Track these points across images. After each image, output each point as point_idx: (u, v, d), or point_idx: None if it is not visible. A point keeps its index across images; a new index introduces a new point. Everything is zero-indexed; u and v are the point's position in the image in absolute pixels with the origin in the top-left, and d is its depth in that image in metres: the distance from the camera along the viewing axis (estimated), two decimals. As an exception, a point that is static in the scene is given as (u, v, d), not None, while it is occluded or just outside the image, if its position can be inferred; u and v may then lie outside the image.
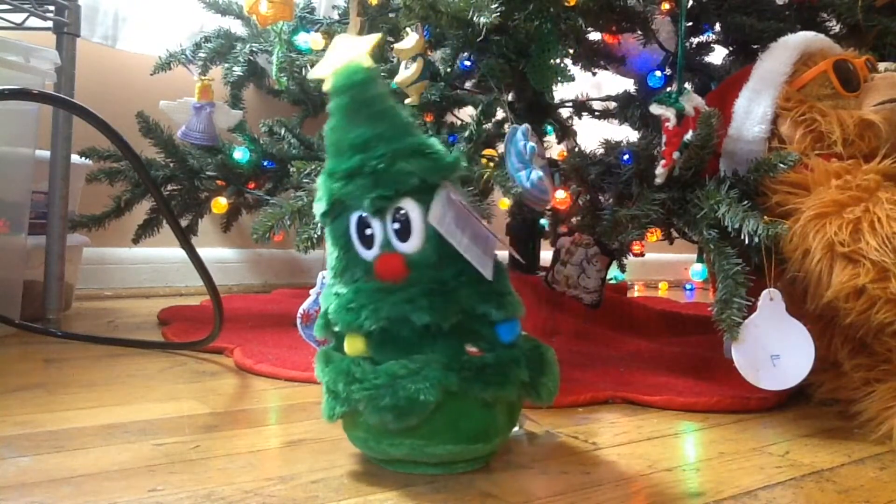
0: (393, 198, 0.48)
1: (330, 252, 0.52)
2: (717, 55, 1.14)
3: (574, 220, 1.02)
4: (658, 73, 1.12)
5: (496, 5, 0.75)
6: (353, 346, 0.50)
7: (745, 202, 0.73)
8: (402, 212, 0.48)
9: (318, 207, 0.51)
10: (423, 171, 0.48)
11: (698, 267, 1.64)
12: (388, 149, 0.48)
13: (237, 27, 1.30)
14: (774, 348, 0.67)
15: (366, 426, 0.48)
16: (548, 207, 0.94)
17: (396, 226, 0.48)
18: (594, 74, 1.25)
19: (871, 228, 0.64)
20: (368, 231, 0.49)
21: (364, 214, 0.49)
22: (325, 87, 0.49)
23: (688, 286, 2.04)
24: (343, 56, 0.49)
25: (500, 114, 1.15)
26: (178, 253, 0.89)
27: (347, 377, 0.48)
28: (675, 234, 0.98)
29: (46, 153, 1.07)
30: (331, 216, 0.51)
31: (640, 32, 1.05)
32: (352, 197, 0.49)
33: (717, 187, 0.77)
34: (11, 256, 0.99)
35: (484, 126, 0.91)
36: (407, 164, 0.48)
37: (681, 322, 1.23)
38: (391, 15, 1.07)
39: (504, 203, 1.23)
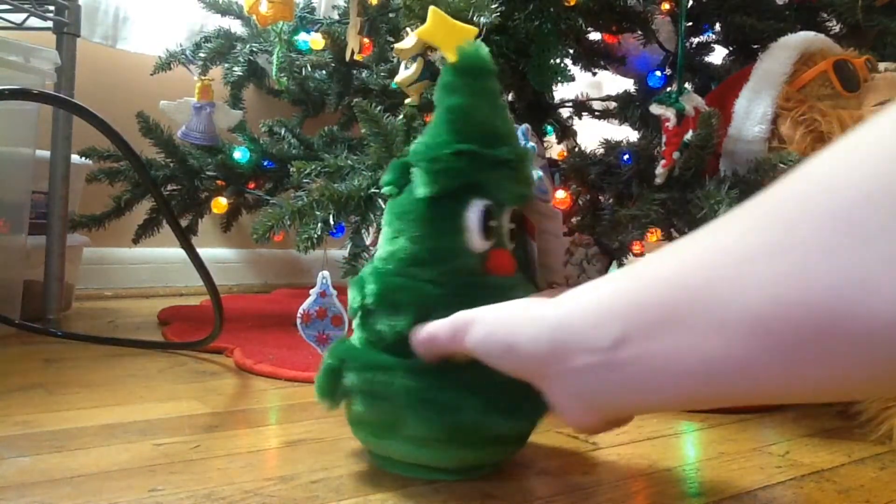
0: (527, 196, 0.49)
1: (402, 232, 0.49)
2: (717, 55, 1.14)
3: (574, 220, 1.03)
4: (658, 73, 1.12)
5: (496, 5, 0.75)
6: None
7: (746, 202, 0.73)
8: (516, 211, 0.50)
9: (425, 181, 0.47)
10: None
11: (698, 267, 1.64)
12: (520, 148, 0.49)
13: (237, 27, 1.30)
14: (774, 348, 0.67)
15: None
16: (548, 207, 0.94)
17: (513, 225, 0.49)
18: (594, 74, 1.25)
19: (871, 228, 0.64)
20: (493, 223, 0.48)
21: (491, 204, 0.48)
22: (453, 59, 0.47)
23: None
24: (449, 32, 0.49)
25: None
26: (178, 253, 0.89)
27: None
28: (675, 234, 0.98)
29: (46, 153, 1.07)
30: (439, 194, 0.47)
31: (640, 32, 1.05)
32: (492, 185, 0.48)
33: (717, 187, 0.77)
34: (11, 256, 0.99)
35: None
36: (530, 168, 0.50)
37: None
38: (391, 15, 1.07)
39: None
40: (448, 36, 0.49)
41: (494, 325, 0.42)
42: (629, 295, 0.36)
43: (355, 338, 0.51)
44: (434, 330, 0.45)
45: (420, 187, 0.47)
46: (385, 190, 0.50)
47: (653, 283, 0.35)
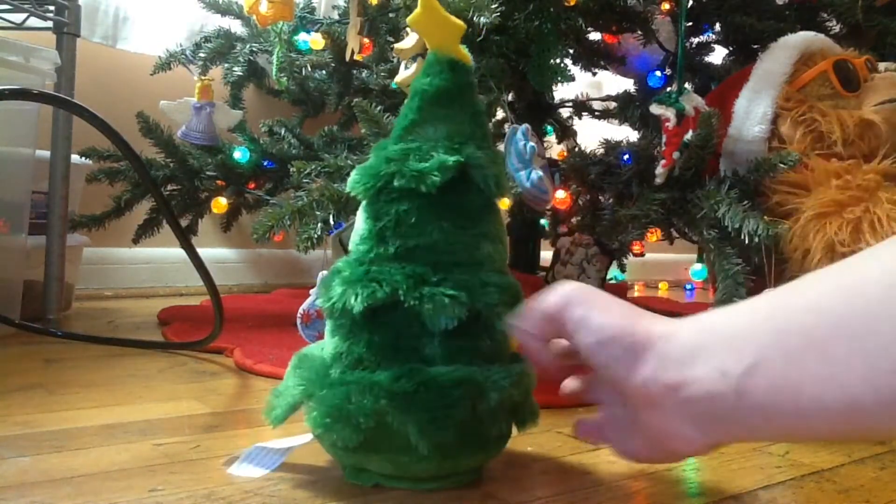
0: None
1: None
2: (717, 55, 1.14)
3: (574, 220, 1.03)
4: (658, 73, 1.12)
5: (496, 5, 0.75)
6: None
7: (745, 202, 0.73)
8: None
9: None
10: None
11: (698, 267, 1.64)
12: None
13: (237, 27, 1.30)
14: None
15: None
16: (548, 207, 0.94)
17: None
18: (594, 74, 1.25)
19: (872, 228, 0.64)
20: None
21: None
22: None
23: (688, 286, 2.04)
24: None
25: (500, 114, 1.16)
26: (178, 253, 0.89)
27: None
28: (675, 234, 0.98)
29: (46, 153, 1.07)
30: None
31: (640, 32, 1.05)
32: None
33: (717, 187, 0.77)
34: (11, 256, 0.99)
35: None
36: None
37: (681, 322, 1.23)
38: (391, 15, 1.07)
39: (504, 203, 1.23)
40: (435, 27, 0.48)
41: (617, 322, 0.39)
42: (767, 321, 0.35)
43: (327, 350, 0.48)
44: (541, 304, 0.42)
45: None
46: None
47: (793, 309, 0.34)
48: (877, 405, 0.30)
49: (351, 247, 0.49)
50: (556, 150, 1.28)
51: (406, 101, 0.49)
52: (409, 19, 0.48)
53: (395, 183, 0.46)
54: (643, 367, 0.38)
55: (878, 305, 0.30)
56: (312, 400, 0.45)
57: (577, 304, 0.41)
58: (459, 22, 0.48)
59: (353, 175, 0.48)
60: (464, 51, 0.49)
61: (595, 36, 1.15)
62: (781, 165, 0.75)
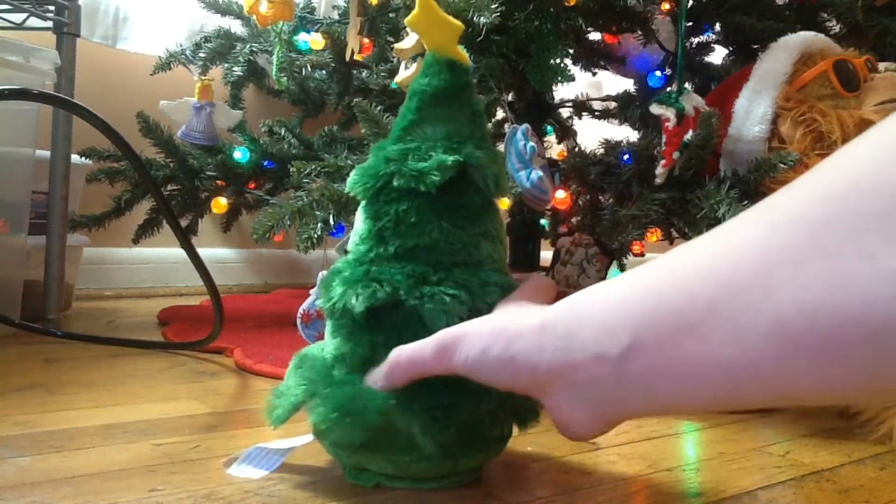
0: None
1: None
2: (717, 55, 1.14)
3: (574, 220, 1.03)
4: (658, 73, 1.12)
5: (496, 5, 0.75)
6: None
7: (745, 202, 0.73)
8: None
9: None
10: None
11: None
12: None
13: (237, 27, 1.30)
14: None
15: None
16: (548, 207, 0.94)
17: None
18: (594, 74, 1.25)
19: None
20: None
21: None
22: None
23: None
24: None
25: (500, 114, 1.16)
26: (178, 253, 0.89)
27: None
28: (675, 234, 0.98)
29: (46, 153, 1.07)
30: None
31: (640, 32, 1.05)
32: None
33: (717, 187, 0.77)
34: (11, 256, 0.99)
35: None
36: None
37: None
38: (391, 15, 1.07)
39: (504, 203, 1.23)
40: (433, 27, 0.48)
41: (490, 339, 0.39)
42: (641, 301, 0.35)
43: (328, 350, 0.48)
44: (414, 352, 0.42)
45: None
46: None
47: (667, 288, 0.34)
48: (758, 381, 0.31)
49: (350, 247, 0.49)
50: (556, 150, 1.28)
51: (405, 102, 0.49)
52: (407, 20, 0.48)
53: (395, 183, 0.46)
54: (522, 362, 0.38)
55: (749, 280, 0.30)
56: (317, 398, 0.45)
57: (451, 349, 0.40)
58: (457, 22, 0.48)
59: (353, 175, 0.48)
60: (462, 51, 0.49)
61: (595, 36, 1.15)
62: (781, 165, 0.75)
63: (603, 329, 0.35)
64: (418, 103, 0.48)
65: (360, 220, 0.49)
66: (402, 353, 0.42)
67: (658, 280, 0.35)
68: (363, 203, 0.48)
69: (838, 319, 0.28)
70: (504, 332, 0.39)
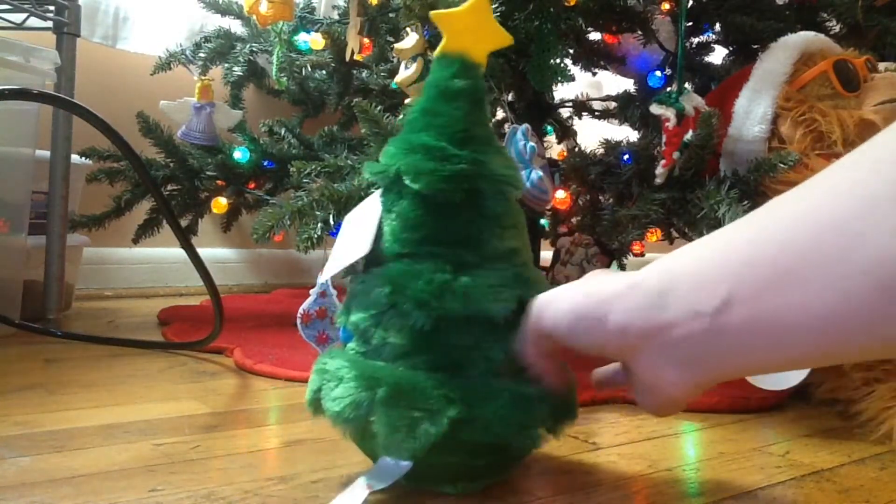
0: None
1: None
2: (717, 55, 1.14)
3: (574, 220, 1.03)
4: (658, 73, 1.12)
5: (496, 5, 0.75)
6: None
7: (745, 202, 0.73)
8: None
9: None
10: None
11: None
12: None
13: (237, 27, 1.30)
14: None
15: None
16: (548, 207, 0.94)
17: None
18: (594, 74, 1.25)
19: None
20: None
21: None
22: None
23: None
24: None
25: (500, 114, 1.15)
26: (178, 253, 0.89)
27: None
28: (675, 234, 0.98)
29: (46, 153, 1.07)
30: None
31: (640, 32, 1.05)
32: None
33: (717, 187, 0.77)
34: (11, 256, 0.99)
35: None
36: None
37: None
38: (391, 15, 1.07)
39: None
40: (478, 30, 0.48)
41: (579, 300, 0.40)
42: (734, 255, 0.34)
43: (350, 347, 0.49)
44: (523, 328, 0.43)
45: None
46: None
47: (760, 240, 0.33)
48: (857, 328, 0.30)
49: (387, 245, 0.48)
50: (556, 150, 1.28)
51: (454, 105, 0.47)
52: (444, 13, 0.47)
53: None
54: (614, 322, 0.38)
55: (844, 224, 0.30)
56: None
57: (543, 311, 0.42)
58: (509, 35, 0.49)
59: (411, 167, 0.46)
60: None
61: (595, 36, 1.14)
62: (781, 165, 0.75)
63: (698, 285, 0.35)
64: (468, 107, 0.48)
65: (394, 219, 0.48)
66: (520, 331, 0.44)
67: (753, 232, 0.34)
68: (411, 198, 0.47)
69: None
70: (593, 293, 0.39)
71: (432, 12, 0.47)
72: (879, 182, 0.29)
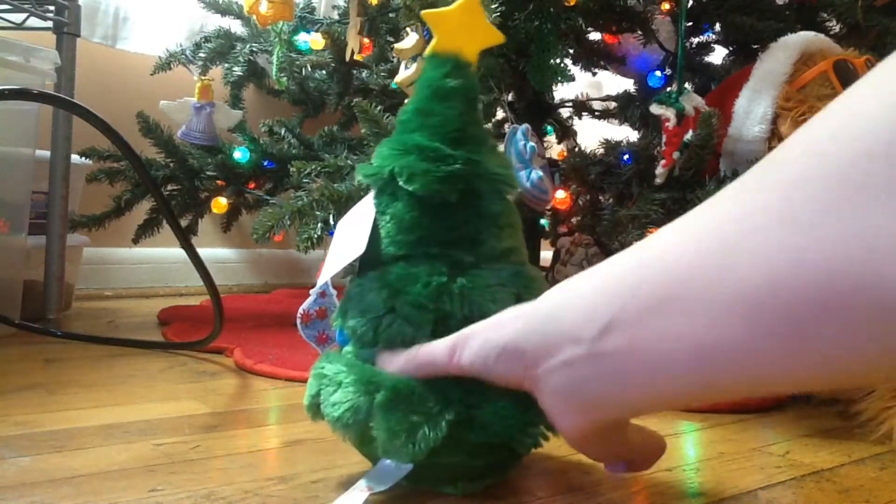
0: None
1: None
2: (717, 55, 1.14)
3: (574, 220, 1.03)
4: (658, 73, 1.12)
5: (496, 5, 0.75)
6: None
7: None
8: None
9: None
10: None
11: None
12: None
13: (237, 27, 1.30)
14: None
15: None
16: (548, 207, 0.94)
17: None
18: (594, 74, 1.25)
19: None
20: None
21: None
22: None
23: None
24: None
25: (500, 114, 1.16)
26: (178, 253, 0.89)
27: None
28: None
29: (46, 153, 1.07)
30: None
31: (640, 32, 1.05)
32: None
33: (717, 187, 0.76)
34: (11, 256, 0.99)
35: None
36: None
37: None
38: (391, 15, 1.07)
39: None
40: (470, 29, 0.48)
41: (489, 331, 0.38)
42: (619, 280, 0.33)
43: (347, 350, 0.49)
44: (429, 351, 0.41)
45: None
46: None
47: (646, 265, 0.32)
48: (728, 358, 0.29)
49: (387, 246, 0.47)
50: (556, 150, 1.28)
51: (447, 105, 0.47)
52: (434, 13, 0.46)
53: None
54: (512, 345, 0.37)
55: (718, 251, 0.28)
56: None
57: (462, 351, 0.40)
58: (500, 34, 0.48)
59: (408, 169, 0.46)
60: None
61: (595, 36, 1.15)
62: (781, 165, 0.75)
63: (582, 310, 0.34)
64: (461, 106, 0.47)
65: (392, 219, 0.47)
66: (421, 350, 0.42)
67: (639, 258, 0.33)
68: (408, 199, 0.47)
69: (802, 290, 0.25)
70: (500, 321, 0.38)
71: (423, 11, 0.47)
72: (759, 207, 0.27)
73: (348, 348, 0.48)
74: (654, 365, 0.31)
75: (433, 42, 0.47)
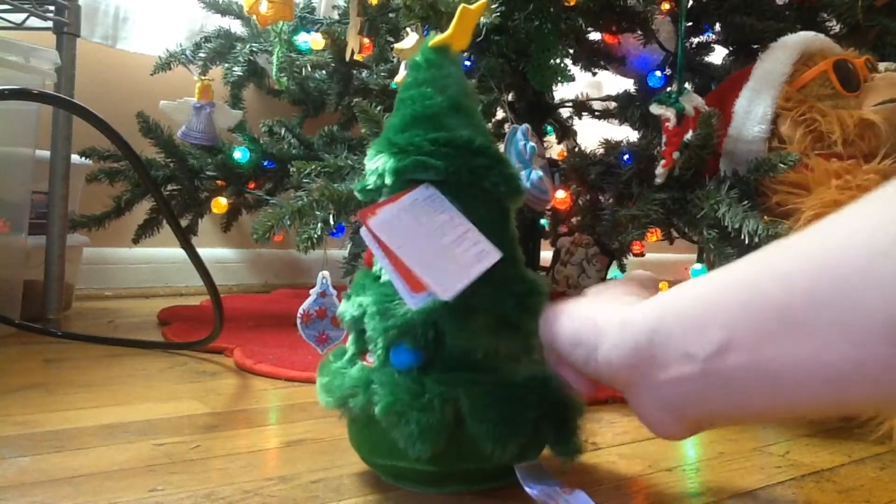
0: None
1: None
2: (717, 55, 1.14)
3: (574, 220, 1.03)
4: (658, 73, 1.12)
5: (496, 5, 0.75)
6: None
7: (745, 202, 0.73)
8: None
9: None
10: None
11: (698, 267, 1.64)
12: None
13: (237, 27, 1.30)
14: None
15: None
16: (548, 207, 0.94)
17: None
18: (594, 74, 1.25)
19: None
20: None
21: None
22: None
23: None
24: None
25: (500, 114, 1.16)
26: (178, 253, 0.89)
27: None
28: (675, 234, 0.98)
29: (46, 153, 1.07)
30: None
31: (640, 32, 1.05)
32: None
33: (717, 187, 0.77)
34: (11, 256, 0.99)
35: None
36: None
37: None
38: (391, 15, 1.07)
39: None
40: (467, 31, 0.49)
41: (577, 324, 0.39)
42: (735, 296, 0.32)
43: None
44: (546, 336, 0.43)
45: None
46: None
47: (765, 283, 0.31)
48: (866, 381, 0.29)
49: None
50: (556, 150, 1.28)
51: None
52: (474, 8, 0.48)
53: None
54: (604, 356, 0.37)
55: (856, 273, 0.28)
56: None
57: (550, 326, 0.42)
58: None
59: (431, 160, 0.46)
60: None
61: (595, 36, 1.14)
62: (781, 165, 0.75)
63: (692, 326, 0.34)
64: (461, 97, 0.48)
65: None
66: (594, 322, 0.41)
67: (754, 273, 0.33)
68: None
69: None
70: (592, 318, 0.39)
71: (464, 6, 0.47)
72: (883, 237, 0.27)
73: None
74: (779, 385, 0.31)
75: (448, 34, 0.48)
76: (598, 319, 0.39)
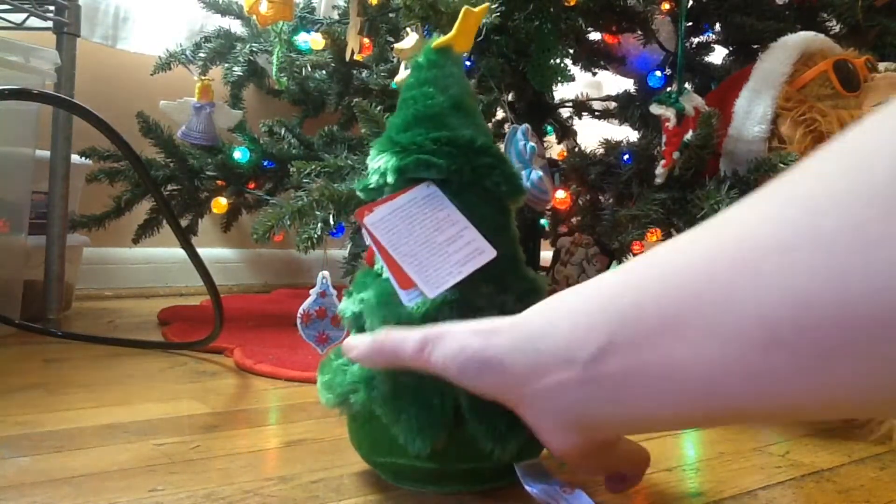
0: None
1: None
2: (717, 55, 1.14)
3: (574, 220, 1.03)
4: (658, 73, 1.12)
5: (496, 5, 0.75)
6: None
7: (745, 202, 0.73)
8: None
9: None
10: None
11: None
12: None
13: (237, 27, 1.30)
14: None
15: None
16: (548, 207, 0.94)
17: None
18: (594, 74, 1.25)
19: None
20: None
21: None
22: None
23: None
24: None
25: (500, 114, 1.16)
26: (178, 253, 0.89)
27: None
28: (675, 234, 0.98)
29: (46, 153, 1.07)
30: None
31: (640, 32, 1.05)
32: None
33: (717, 187, 0.77)
34: (11, 256, 0.99)
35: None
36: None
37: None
38: (391, 15, 1.07)
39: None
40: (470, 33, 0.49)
41: (468, 339, 0.36)
42: (617, 299, 0.31)
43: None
44: (398, 341, 0.39)
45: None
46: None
47: (645, 285, 0.30)
48: (743, 386, 0.27)
49: None
50: (556, 150, 1.28)
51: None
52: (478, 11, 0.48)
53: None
54: (495, 360, 0.35)
55: (735, 274, 0.27)
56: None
57: (433, 349, 0.37)
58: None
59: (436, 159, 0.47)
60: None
61: (595, 36, 1.15)
62: (781, 165, 0.75)
63: (575, 329, 0.32)
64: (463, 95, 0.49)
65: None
66: (388, 337, 0.40)
67: (637, 275, 0.32)
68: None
69: (831, 314, 0.24)
70: (481, 331, 0.37)
71: (467, 9, 0.47)
72: (775, 228, 0.26)
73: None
74: (658, 389, 0.30)
75: (451, 36, 0.48)
76: (488, 328, 0.37)
